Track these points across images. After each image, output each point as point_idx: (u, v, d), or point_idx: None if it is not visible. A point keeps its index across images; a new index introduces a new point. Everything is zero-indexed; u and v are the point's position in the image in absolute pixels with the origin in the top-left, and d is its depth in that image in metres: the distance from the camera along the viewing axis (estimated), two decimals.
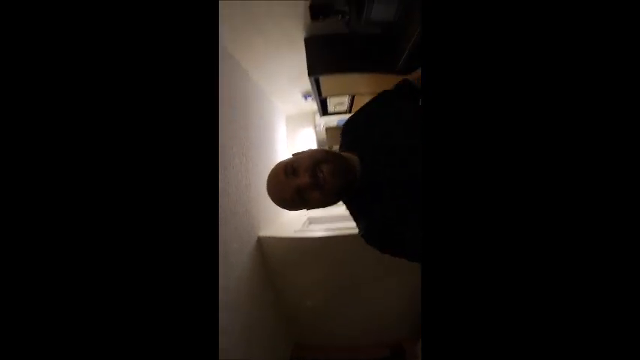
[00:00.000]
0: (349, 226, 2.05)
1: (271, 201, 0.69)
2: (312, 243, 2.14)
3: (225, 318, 1.48)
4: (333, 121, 3.56)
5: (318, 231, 2.39)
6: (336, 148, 0.84)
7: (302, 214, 2.94)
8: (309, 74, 1.96)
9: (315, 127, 3.84)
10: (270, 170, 0.69)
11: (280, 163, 0.69)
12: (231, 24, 1.61)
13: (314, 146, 3.90)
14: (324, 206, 0.69)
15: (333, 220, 2.77)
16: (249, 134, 2.19)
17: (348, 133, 0.80)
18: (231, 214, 1.76)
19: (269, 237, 2.16)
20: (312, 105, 3.17)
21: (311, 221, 2.93)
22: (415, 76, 0.95)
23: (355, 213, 0.73)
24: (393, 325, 2.40)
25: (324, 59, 1.96)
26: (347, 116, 1.50)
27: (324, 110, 2.86)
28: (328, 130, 3.77)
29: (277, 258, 2.20)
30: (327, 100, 2.69)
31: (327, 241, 2.13)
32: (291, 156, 0.70)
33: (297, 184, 0.64)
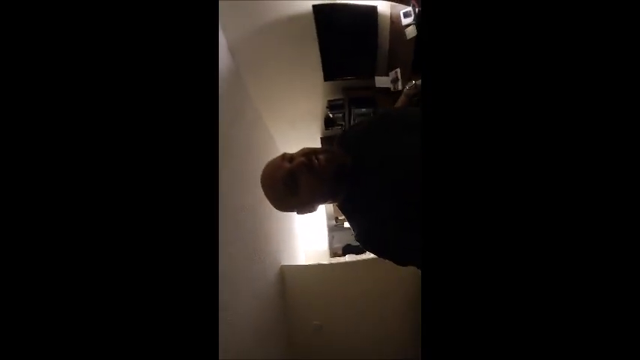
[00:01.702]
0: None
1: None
2: (325, 268, 3.00)
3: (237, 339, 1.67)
4: None
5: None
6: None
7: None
8: None
9: None
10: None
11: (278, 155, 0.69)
12: (275, 121, 2.92)
13: (323, 216, 4.94)
14: (313, 201, 0.69)
15: None
16: None
17: (343, 142, 0.82)
18: (259, 249, 2.37)
19: (290, 266, 3.03)
20: None
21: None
22: (400, 102, 1.02)
23: (349, 216, 0.74)
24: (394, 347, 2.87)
25: None
26: None
27: None
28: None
29: (296, 284, 2.96)
30: None
31: (338, 267, 2.98)
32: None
33: (290, 166, 0.64)
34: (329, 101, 2.66)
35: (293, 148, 0.73)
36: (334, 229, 5.72)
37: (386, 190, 0.65)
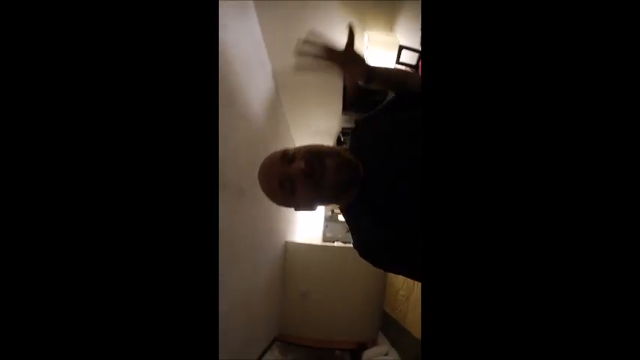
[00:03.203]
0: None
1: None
2: (321, 249, 3.89)
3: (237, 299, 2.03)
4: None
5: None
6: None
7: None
8: None
9: None
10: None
11: (280, 150, 0.65)
12: (299, 133, 3.71)
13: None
14: (311, 205, 0.66)
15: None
16: None
17: (356, 139, 0.78)
18: (265, 223, 2.79)
19: (293, 242, 3.87)
20: None
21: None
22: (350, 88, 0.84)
23: (351, 223, 0.72)
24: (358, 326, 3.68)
25: None
26: None
27: None
28: None
29: (294, 257, 3.77)
30: None
31: (331, 249, 3.86)
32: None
33: (288, 170, 0.60)
34: (343, 128, 3.55)
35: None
36: (329, 219, 6.57)
37: (390, 198, 0.63)
